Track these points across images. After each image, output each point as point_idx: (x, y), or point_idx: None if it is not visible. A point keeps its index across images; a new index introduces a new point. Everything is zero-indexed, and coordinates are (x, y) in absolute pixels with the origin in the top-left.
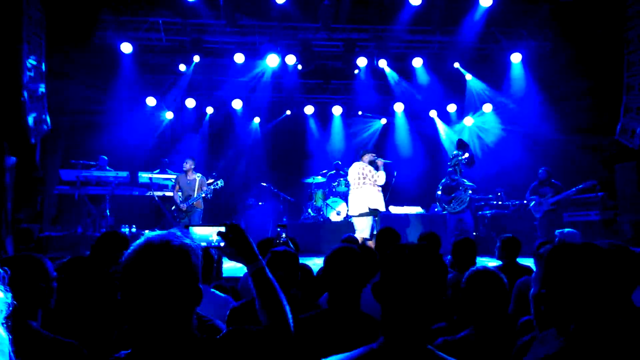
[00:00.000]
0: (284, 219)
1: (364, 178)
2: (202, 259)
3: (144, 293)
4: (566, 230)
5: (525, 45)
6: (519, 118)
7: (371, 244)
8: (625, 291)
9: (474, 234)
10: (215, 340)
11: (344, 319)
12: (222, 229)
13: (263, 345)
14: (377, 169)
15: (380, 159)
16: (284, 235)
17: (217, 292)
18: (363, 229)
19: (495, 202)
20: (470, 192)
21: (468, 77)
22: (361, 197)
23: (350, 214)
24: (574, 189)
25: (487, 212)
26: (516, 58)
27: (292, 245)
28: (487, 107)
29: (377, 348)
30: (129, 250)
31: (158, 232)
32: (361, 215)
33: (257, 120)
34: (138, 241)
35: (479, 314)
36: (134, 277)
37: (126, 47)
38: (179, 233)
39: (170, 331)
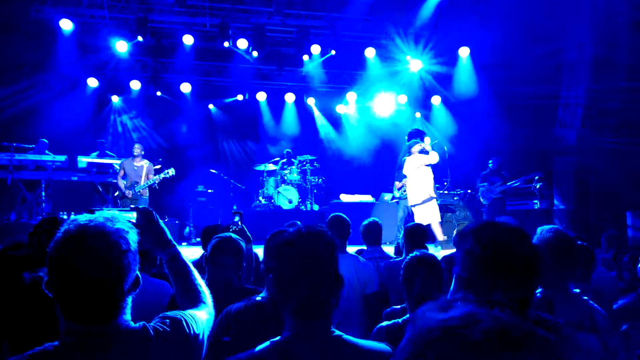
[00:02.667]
0: (234, 207)
1: (418, 168)
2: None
3: (77, 282)
4: (503, 218)
5: (475, 38)
6: (466, 110)
7: (439, 230)
8: (562, 276)
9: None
10: (146, 329)
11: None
12: (134, 214)
13: (188, 330)
14: (427, 152)
15: (424, 142)
16: (238, 221)
17: (155, 278)
18: (429, 215)
19: (441, 191)
20: None
21: (414, 68)
22: (419, 185)
23: (411, 204)
24: (519, 179)
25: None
26: (464, 52)
27: (248, 233)
28: (436, 100)
29: (283, 340)
30: (58, 236)
31: (88, 215)
32: (424, 202)
33: (210, 106)
34: (67, 226)
35: (415, 297)
36: (65, 265)
37: (65, 24)
38: (110, 216)
39: (104, 321)
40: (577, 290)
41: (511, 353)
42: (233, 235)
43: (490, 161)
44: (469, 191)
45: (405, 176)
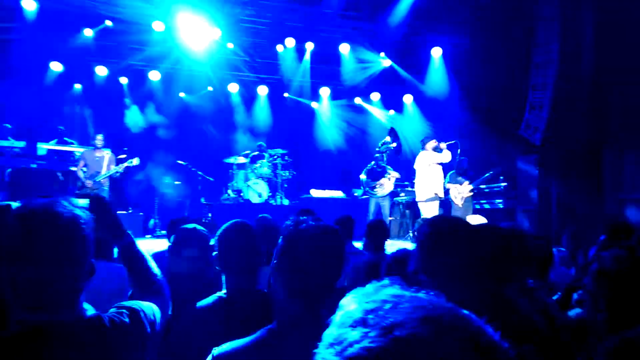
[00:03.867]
0: (202, 200)
1: (429, 166)
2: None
3: (28, 269)
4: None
5: (446, 40)
6: (436, 110)
7: None
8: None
9: (390, 218)
10: (101, 318)
11: (243, 302)
12: (86, 201)
13: (146, 319)
14: (440, 151)
15: (442, 142)
16: (209, 213)
17: (116, 264)
18: (432, 214)
19: (411, 189)
20: (394, 179)
21: (383, 65)
22: (427, 182)
23: (417, 199)
24: (480, 178)
25: (403, 199)
26: (437, 52)
27: (218, 225)
28: (408, 98)
29: (275, 330)
30: (7, 221)
31: (40, 200)
32: (428, 200)
33: (182, 94)
34: (17, 210)
35: None
36: (15, 251)
37: (29, 4)
38: (65, 202)
39: (57, 310)
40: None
41: (431, 333)
42: (198, 226)
43: (459, 160)
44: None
45: (379, 170)
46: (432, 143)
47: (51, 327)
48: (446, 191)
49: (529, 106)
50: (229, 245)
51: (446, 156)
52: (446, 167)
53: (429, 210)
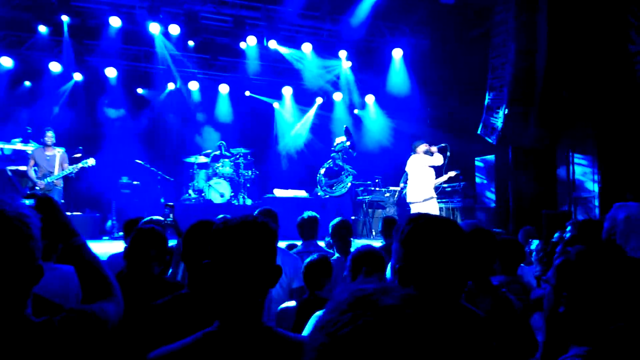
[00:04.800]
0: (162, 200)
1: (422, 168)
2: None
3: None
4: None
5: (406, 41)
6: (397, 110)
7: None
8: (480, 268)
9: (352, 217)
10: (51, 323)
11: (203, 299)
12: (30, 201)
13: (98, 322)
14: (431, 154)
15: (434, 146)
16: (169, 213)
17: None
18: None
19: (373, 188)
20: (351, 177)
21: (345, 65)
22: (420, 184)
23: (409, 201)
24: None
25: (366, 197)
26: (397, 53)
27: (179, 226)
28: (370, 98)
29: (212, 332)
30: None
31: None
32: (424, 200)
33: (138, 90)
34: None
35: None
36: None
37: None
38: (9, 201)
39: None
40: (497, 283)
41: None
42: (155, 226)
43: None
44: (400, 187)
45: (336, 169)
46: (423, 147)
47: None
48: (402, 189)
49: (486, 106)
50: (194, 243)
51: (438, 159)
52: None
53: (424, 210)
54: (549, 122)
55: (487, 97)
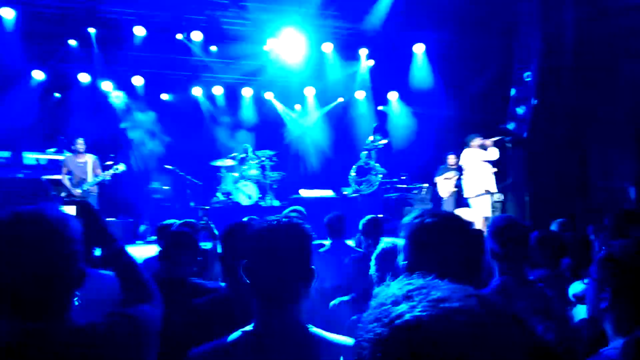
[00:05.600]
0: (192, 204)
1: (475, 163)
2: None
3: (14, 275)
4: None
5: (428, 36)
6: (421, 107)
7: (483, 224)
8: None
9: (380, 215)
10: (94, 327)
11: (243, 300)
12: (72, 208)
13: (141, 325)
14: (486, 149)
15: (488, 139)
16: (204, 216)
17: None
18: (479, 209)
19: (399, 186)
20: (380, 176)
21: (369, 63)
22: (476, 179)
23: (465, 196)
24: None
25: (393, 195)
26: (419, 48)
27: (214, 229)
28: (393, 95)
29: (250, 331)
30: None
31: (27, 206)
32: (478, 196)
33: (164, 97)
34: (4, 216)
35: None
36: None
37: (7, 12)
38: (50, 205)
39: (46, 319)
40: (535, 276)
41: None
42: (187, 229)
43: (447, 155)
44: (427, 185)
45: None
46: (477, 141)
47: (40, 338)
48: (434, 185)
49: (513, 98)
50: (232, 245)
51: (493, 153)
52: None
53: (479, 206)
54: (580, 113)
55: (513, 88)
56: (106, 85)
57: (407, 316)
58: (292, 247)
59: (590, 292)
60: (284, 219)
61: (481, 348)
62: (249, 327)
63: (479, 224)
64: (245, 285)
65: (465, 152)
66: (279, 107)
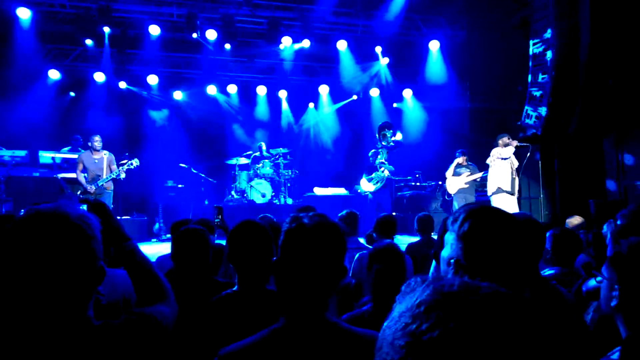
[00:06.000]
0: (206, 202)
1: (497, 160)
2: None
3: (34, 273)
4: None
5: (443, 33)
6: (435, 104)
7: None
8: (532, 260)
9: (393, 213)
10: (111, 327)
11: (254, 298)
12: (84, 207)
13: (157, 325)
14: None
15: (514, 141)
16: (218, 214)
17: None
18: (500, 206)
19: (413, 183)
20: (387, 172)
21: (386, 61)
22: (492, 176)
23: (489, 194)
24: (485, 172)
25: (406, 192)
26: (434, 46)
27: (228, 227)
28: (407, 92)
29: (279, 328)
30: (12, 223)
31: (46, 204)
32: (493, 194)
33: (178, 95)
34: (24, 213)
35: (376, 289)
36: (21, 254)
37: (23, 12)
38: (68, 203)
39: (61, 317)
40: (551, 272)
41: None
42: (197, 226)
43: (457, 153)
44: (440, 182)
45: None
46: (505, 139)
47: (58, 336)
48: (444, 181)
49: (528, 96)
50: (239, 243)
51: (506, 151)
52: (442, 159)
53: (497, 203)
54: (595, 109)
55: (528, 86)
56: (121, 85)
57: (440, 329)
58: (328, 245)
59: (603, 290)
60: (317, 218)
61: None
62: (277, 324)
63: None
64: (278, 282)
65: (493, 151)
66: (284, 106)
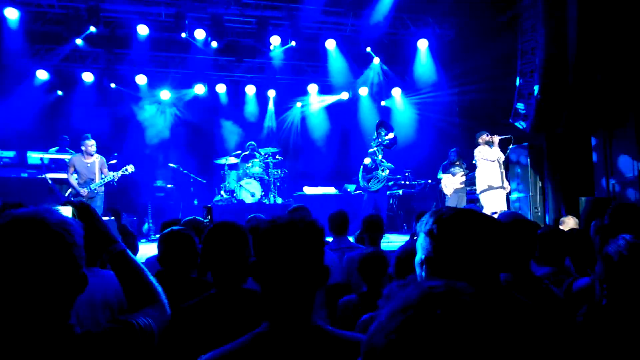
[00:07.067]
0: (195, 202)
1: (481, 159)
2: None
3: (11, 282)
4: (467, 207)
5: (431, 32)
6: (424, 102)
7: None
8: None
9: (388, 213)
10: (93, 335)
11: (230, 300)
12: (69, 209)
13: (142, 334)
14: (491, 145)
15: (495, 136)
16: (208, 217)
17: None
18: (489, 204)
19: (403, 182)
20: (387, 171)
21: (376, 60)
22: (481, 175)
23: (477, 192)
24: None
25: (397, 191)
26: (423, 44)
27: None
28: (396, 91)
29: (262, 332)
30: None
31: (25, 208)
32: (482, 192)
33: (166, 95)
34: (1, 218)
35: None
36: None
37: (11, 13)
38: (48, 208)
39: (41, 326)
40: (540, 273)
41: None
42: (181, 227)
43: (451, 152)
44: (429, 181)
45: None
46: (484, 137)
47: (40, 345)
48: (438, 181)
49: (517, 93)
50: (213, 244)
51: (492, 154)
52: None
53: (486, 200)
54: (583, 106)
55: (517, 83)
56: (110, 85)
57: (405, 324)
58: (304, 245)
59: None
60: (294, 217)
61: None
62: (260, 329)
63: None
64: (260, 285)
65: (476, 149)
66: (270, 106)
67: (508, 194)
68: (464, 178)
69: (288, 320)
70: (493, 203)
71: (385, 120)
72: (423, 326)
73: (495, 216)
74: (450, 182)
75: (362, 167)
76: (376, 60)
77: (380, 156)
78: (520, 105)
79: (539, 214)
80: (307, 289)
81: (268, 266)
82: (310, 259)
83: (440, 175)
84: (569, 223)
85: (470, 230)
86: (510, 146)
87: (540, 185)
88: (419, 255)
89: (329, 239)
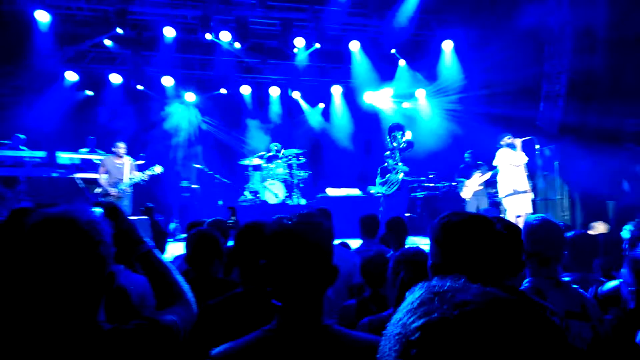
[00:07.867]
0: (220, 202)
1: (503, 163)
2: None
3: (42, 279)
4: (482, 209)
5: (457, 33)
6: (448, 104)
7: (520, 221)
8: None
9: (407, 214)
10: (121, 332)
11: (256, 298)
12: (99, 210)
13: (167, 331)
14: (514, 147)
15: (517, 139)
16: (233, 217)
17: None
18: (514, 208)
19: (427, 184)
20: (402, 174)
21: (401, 62)
22: (505, 179)
23: (500, 196)
24: (494, 172)
25: (420, 194)
26: (448, 45)
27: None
28: (420, 93)
29: (271, 329)
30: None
31: (56, 208)
32: (507, 196)
33: (191, 98)
34: (32, 218)
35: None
36: (29, 260)
37: (42, 15)
38: (78, 207)
39: (70, 323)
40: (567, 279)
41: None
42: (208, 228)
43: (466, 154)
44: (454, 183)
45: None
46: (506, 139)
47: (66, 342)
48: (457, 184)
49: (544, 95)
50: (244, 243)
51: (518, 158)
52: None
53: (510, 204)
54: (612, 108)
55: (544, 85)
56: (137, 86)
57: (427, 317)
58: (312, 245)
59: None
60: (302, 218)
61: (500, 350)
62: (269, 326)
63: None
64: (265, 284)
65: (498, 153)
66: (304, 106)
67: (534, 201)
68: (482, 179)
69: (295, 319)
70: (518, 207)
71: (398, 123)
72: (418, 317)
73: (521, 220)
74: (469, 185)
75: (379, 169)
76: (402, 62)
77: (396, 159)
78: (546, 107)
79: (566, 217)
80: (313, 288)
81: (276, 266)
82: (316, 259)
83: (459, 178)
84: (599, 228)
85: (474, 237)
86: (537, 147)
87: (567, 189)
88: (430, 261)
89: (349, 241)
